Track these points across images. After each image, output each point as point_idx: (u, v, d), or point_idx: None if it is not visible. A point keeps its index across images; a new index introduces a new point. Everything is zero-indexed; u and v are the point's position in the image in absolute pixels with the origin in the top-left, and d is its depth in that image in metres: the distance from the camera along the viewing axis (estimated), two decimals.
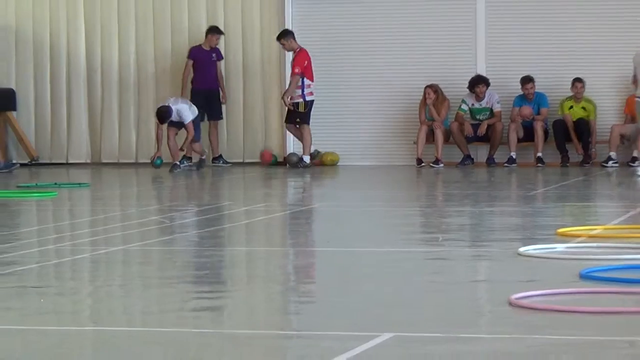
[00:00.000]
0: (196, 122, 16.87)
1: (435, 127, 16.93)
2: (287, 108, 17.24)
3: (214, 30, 17.62)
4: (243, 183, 15.45)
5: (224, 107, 17.87)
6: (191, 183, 15.28)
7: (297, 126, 17.31)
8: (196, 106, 17.20)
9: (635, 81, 14.91)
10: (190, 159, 16.88)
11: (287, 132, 17.81)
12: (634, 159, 16.13)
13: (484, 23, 17.28)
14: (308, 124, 17.23)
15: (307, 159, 17.09)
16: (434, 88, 16.96)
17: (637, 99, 14.82)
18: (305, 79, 17.12)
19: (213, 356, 4.99)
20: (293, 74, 17.10)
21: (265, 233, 9.99)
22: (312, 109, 17.22)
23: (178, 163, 16.55)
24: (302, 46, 17.51)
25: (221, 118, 17.80)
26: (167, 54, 18.21)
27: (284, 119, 17.48)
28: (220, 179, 15.72)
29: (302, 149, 17.30)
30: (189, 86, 17.72)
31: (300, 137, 17.32)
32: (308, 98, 17.17)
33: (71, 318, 6.00)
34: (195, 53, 17.64)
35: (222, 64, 17.85)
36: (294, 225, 10.57)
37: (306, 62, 17.15)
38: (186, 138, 16.57)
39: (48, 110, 18.47)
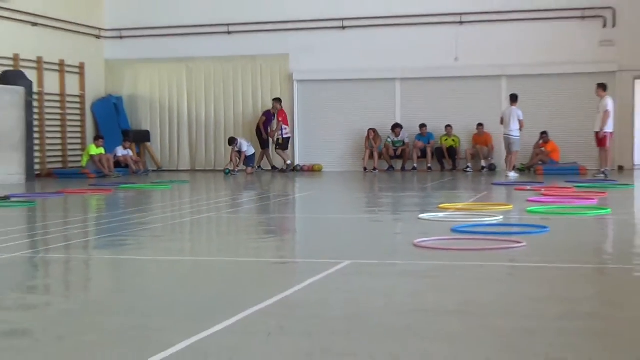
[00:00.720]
0: (252, 156, 16.77)
1: (374, 150, 16.91)
2: (274, 141, 17.16)
3: (277, 100, 17.36)
4: (273, 181, 15.40)
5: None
6: (246, 181, 15.23)
7: (281, 150, 17.25)
8: (266, 142, 17.16)
9: (502, 123, 14.71)
10: (234, 171, 16.65)
11: (297, 151, 17.61)
12: (483, 168, 16.13)
13: (400, 94, 17.24)
14: (287, 149, 17.15)
15: (289, 162, 17.05)
16: (373, 130, 16.93)
17: (504, 135, 14.64)
18: (283, 126, 17.01)
19: (255, 272, 4.97)
20: (279, 121, 17.01)
21: (282, 207, 9.97)
22: (290, 141, 17.21)
23: (235, 171, 16.50)
24: (302, 106, 17.48)
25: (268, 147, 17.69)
26: (230, 111, 18.11)
27: (274, 147, 17.37)
28: (261, 178, 15.67)
29: (285, 160, 17.18)
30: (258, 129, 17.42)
31: (283, 156, 17.27)
32: (285, 136, 17.04)
33: (180, 252, 6.00)
34: (266, 113, 17.34)
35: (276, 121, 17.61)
36: (296, 203, 10.55)
37: (284, 115, 17.06)
38: (241, 158, 16.58)
39: (167, 140, 18.40)
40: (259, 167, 17.39)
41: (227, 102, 18.07)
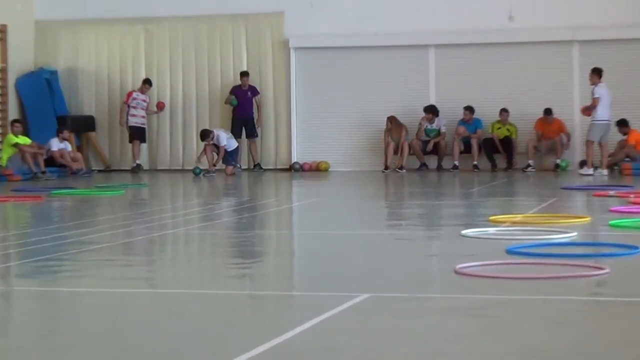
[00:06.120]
0: (233, 151, 16.79)
1: (402, 144, 16.75)
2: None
3: (244, 74, 17.53)
4: (262, 184, 15.34)
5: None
6: (225, 184, 15.16)
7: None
8: (236, 127, 17.25)
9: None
10: (208, 171, 16.66)
11: (295, 144, 17.71)
12: (557, 166, 16.18)
13: (434, 67, 17.22)
14: (143, 142, 17.77)
15: (139, 161, 17.59)
16: (392, 119, 16.86)
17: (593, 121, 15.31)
18: (134, 110, 17.56)
19: (237, 310, 4.93)
20: (128, 105, 17.62)
21: (275, 221, 9.90)
22: (144, 132, 17.83)
23: (211, 170, 16.53)
24: (301, 83, 17.56)
25: (256, 136, 17.70)
26: (204, 90, 18.10)
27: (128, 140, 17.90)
28: (245, 181, 15.61)
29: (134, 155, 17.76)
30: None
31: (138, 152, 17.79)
32: (135, 125, 17.56)
33: (133, 283, 5.96)
34: (236, 91, 17.49)
35: (259, 97, 17.66)
36: (294, 215, 10.48)
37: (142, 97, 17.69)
38: (219, 155, 16.58)
39: (118, 130, 18.36)
40: (240, 165, 17.44)
41: (201, 79, 18.07)
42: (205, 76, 18.06)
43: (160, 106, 17.75)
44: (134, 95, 17.70)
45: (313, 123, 17.66)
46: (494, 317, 4.55)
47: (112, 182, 15.08)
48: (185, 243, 7.93)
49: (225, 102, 17.47)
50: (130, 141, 17.78)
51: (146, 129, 17.96)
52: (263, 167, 17.50)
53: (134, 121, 17.69)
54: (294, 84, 17.73)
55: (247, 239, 8.20)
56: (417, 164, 17.01)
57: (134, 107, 17.68)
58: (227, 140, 16.70)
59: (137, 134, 17.72)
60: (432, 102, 17.07)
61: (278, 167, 17.73)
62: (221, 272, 6.38)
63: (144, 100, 17.78)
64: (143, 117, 17.83)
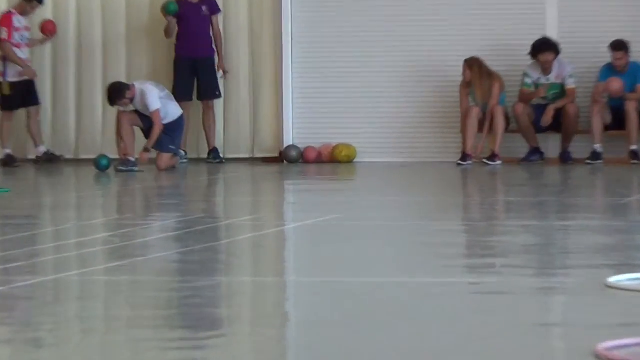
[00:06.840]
0: (174, 125, 17.06)
1: (495, 110, 16.94)
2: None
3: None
4: (224, 185, 15.43)
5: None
6: (156, 185, 15.27)
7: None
8: (181, 79, 17.50)
9: None
10: (126, 162, 16.77)
11: (290, 114, 18.13)
12: None
13: None
14: (15, 107, 18.34)
15: (43, 147, 18.10)
16: (472, 63, 17.05)
17: None
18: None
19: None
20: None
21: (253, 258, 9.93)
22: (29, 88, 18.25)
23: (130, 160, 16.66)
24: (306, 6, 18.01)
25: (218, 96, 18.03)
26: (119, 13, 18.29)
27: None
28: (194, 180, 15.73)
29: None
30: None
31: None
32: (13, 79, 18.05)
33: None
34: (180, 5, 17.93)
35: (219, 20, 18.12)
36: (287, 245, 10.52)
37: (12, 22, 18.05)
38: (151, 135, 16.63)
39: None
40: (185, 152, 17.95)
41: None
42: None
43: (49, 28, 17.74)
44: (15, 21, 17.72)
45: (323, 73, 17.86)
46: None
47: None
48: (82, 299, 7.97)
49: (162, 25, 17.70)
50: (7, 108, 17.89)
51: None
52: (222, 156, 17.75)
53: (17, 72, 17.89)
54: (289, 2, 18.11)
55: (199, 292, 8.21)
56: (523, 150, 17.26)
57: (16, 46, 17.73)
58: (160, 99, 16.74)
59: (25, 94, 17.87)
60: (551, 34, 17.30)
61: (257, 155, 18.02)
62: (152, 355, 6.38)
63: (28, 29, 17.84)
64: (29, 61, 17.96)
